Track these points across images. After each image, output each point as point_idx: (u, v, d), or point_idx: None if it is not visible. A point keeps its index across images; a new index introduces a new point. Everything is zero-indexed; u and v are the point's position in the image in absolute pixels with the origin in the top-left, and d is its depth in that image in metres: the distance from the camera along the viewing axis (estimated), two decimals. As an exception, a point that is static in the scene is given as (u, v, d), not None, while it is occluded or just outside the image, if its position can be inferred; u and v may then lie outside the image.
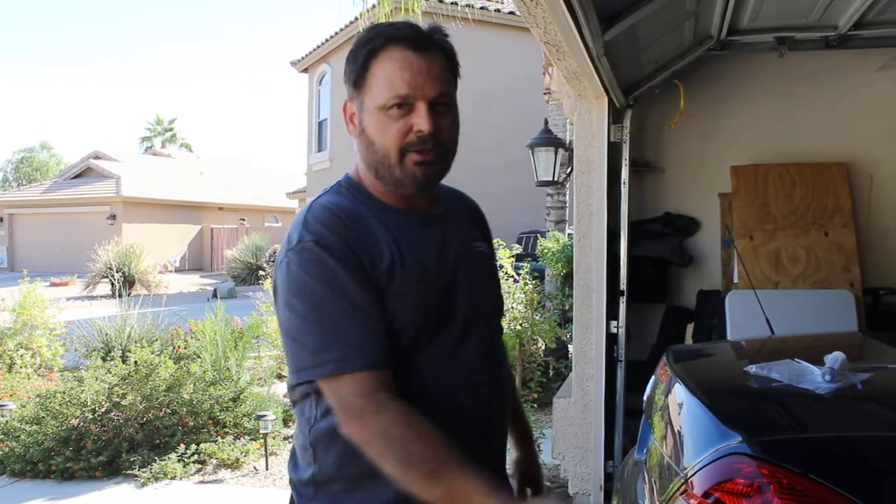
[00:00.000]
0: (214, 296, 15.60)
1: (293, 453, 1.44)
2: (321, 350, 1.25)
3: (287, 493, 4.29)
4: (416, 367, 1.33)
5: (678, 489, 1.61)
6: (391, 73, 1.29)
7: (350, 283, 1.25)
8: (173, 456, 4.76)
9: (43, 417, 5.05)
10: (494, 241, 1.70)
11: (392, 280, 1.30)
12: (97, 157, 30.67)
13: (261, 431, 4.94)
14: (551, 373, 6.25)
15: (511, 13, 13.61)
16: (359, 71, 1.33)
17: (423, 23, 1.40)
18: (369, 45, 1.32)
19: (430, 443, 1.19)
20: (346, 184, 1.42)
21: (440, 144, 1.32)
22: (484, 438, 1.41)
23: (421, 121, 1.29)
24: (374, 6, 7.27)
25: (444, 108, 1.33)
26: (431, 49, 1.32)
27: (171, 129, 50.15)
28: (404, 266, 1.31)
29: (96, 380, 5.33)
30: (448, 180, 1.48)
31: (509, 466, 1.65)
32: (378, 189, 1.39)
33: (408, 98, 1.29)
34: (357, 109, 1.36)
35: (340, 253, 1.26)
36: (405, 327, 1.30)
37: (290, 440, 5.53)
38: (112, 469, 4.74)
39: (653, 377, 2.46)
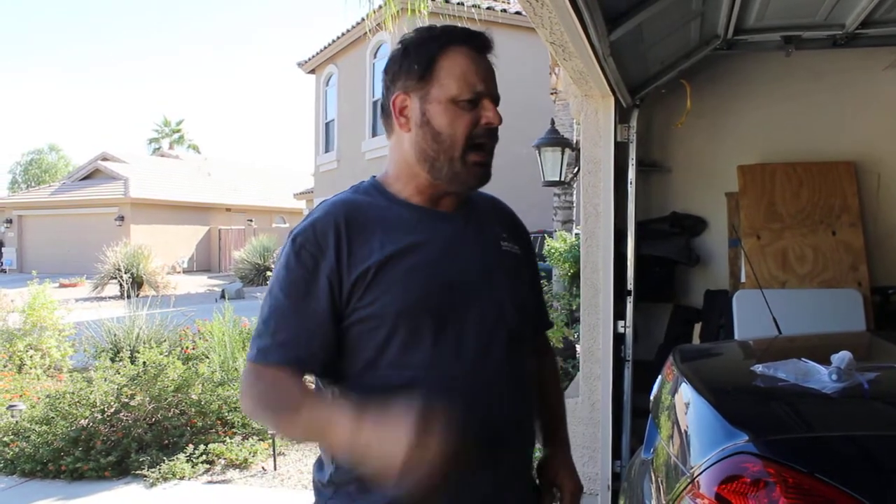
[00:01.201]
0: (222, 297, 15.63)
1: (319, 456, 1.48)
2: (256, 336, 1.37)
3: (295, 493, 4.33)
4: (407, 356, 1.35)
5: (685, 488, 1.61)
6: (465, 69, 1.38)
7: (300, 287, 1.34)
8: (182, 456, 4.78)
9: (52, 418, 5.08)
10: None
11: (382, 271, 1.34)
12: (105, 159, 30.79)
13: (269, 432, 4.96)
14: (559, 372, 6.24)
15: (517, 13, 13.60)
16: (426, 64, 1.38)
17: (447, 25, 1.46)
18: (439, 41, 1.40)
19: (289, 391, 1.29)
20: (368, 183, 1.49)
21: (495, 140, 1.42)
22: (484, 438, 1.36)
23: (492, 114, 1.39)
24: (380, 7, 7.28)
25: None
26: (488, 52, 1.43)
27: (178, 131, 50.30)
28: (403, 258, 1.35)
29: (105, 380, 5.36)
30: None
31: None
32: (406, 185, 1.44)
33: (480, 94, 1.38)
34: (419, 101, 1.39)
35: (309, 254, 1.35)
36: (397, 315, 1.34)
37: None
38: (121, 469, 4.77)
39: (659, 377, 2.47)
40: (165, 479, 4.62)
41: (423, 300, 1.35)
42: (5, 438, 5.12)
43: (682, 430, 1.89)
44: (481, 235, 1.48)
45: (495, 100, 1.41)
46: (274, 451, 4.95)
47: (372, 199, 1.44)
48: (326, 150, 18.73)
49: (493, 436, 1.38)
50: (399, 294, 1.33)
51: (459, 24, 1.47)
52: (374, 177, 1.50)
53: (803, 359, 1.92)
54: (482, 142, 1.38)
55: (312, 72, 19.38)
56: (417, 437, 1.11)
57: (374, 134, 15.57)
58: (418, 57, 1.39)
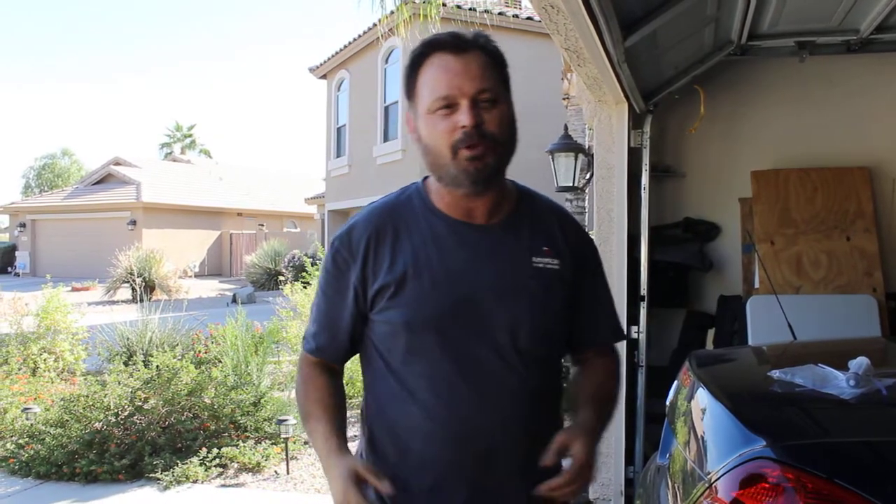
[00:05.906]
0: (234, 301, 15.68)
1: None
2: (308, 327, 1.59)
3: (308, 497, 4.33)
4: (411, 364, 1.43)
5: (702, 493, 1.61)
6: (433, 78, 1.39)
7: (333, 286, 1.50)
8: (195, 460, 4.80)
9: (67, 421, 5.11)
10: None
11: (405, 282, 1.42)
12: (118, 164, 30.96)
13: (282, 436, 4.97)
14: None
15: (529, 19, 13.62)
16: (409, 82, 1.44)
17: (467, 31, 1.47)
18: (413, 57, 1.43)
19: (308, 394, 1.53)
20: (415, 187, 1.54)
21: (486, 137, 1.37)
22: (484, 455, 1.42)
23: (463, 117, 1.36)
24: (392, 12, 7.30)
25: (489, 104, 1.39)
26: (469, 50, 1.40)
27: (190, 136, 50.61)
28: (422, 272, 1.42)
29: (119, 384, 5.39)
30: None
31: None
32: (440, 195, 1.48)
33: (449, 98, 1.37)
34: (414, 118, 1.45)
35: (342, 258, 1.48)
36: (404, 326, 1.42)
37: (311, 444, 5.55)
38: (135, 472, 4.79)
39: (675, 382, 2.46)
40: (179, 483, 4.64)
41: (429, 316, 1.40)
42: (20, 441, 5.16)
43: (699, 436, 1.89)
44: (514, 251, 1.48)
45: (476, 97, 1.37)
46: (287, 455, 4.96)
47: (412, 205, 1.49)
48: (338, 155, 18.76)
49: (487, 448, 1.42)
50: (408, 308, 1.41)
51: (473, 29, 1.48)
52: (426, 178, 1.54)
53: (820, 364, 1.92)
54: (465, 145, 1.36)
55: (324, 77, 19.43)
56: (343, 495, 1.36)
57: (386, 139, 15.60)
58: (405, 76, 1.45)
